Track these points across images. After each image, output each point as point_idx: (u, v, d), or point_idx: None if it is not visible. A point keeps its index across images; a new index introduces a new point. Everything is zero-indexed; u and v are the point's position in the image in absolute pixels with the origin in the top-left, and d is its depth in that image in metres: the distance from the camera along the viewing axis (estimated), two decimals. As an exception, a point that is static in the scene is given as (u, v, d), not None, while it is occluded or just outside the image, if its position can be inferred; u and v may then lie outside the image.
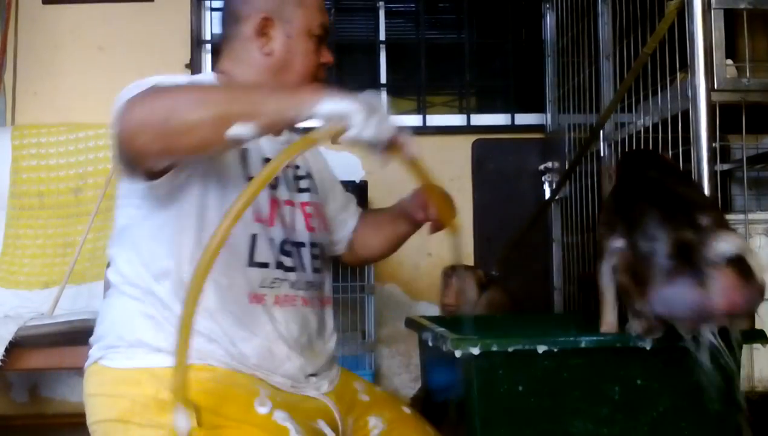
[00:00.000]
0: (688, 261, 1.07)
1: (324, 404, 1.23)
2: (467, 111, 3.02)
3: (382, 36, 3.00)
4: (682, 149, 1.68)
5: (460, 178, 2.90)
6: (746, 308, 1.09)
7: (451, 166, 2.89)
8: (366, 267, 2.56)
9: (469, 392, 1.22)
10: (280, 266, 1.23)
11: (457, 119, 3.05)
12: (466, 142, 2.93)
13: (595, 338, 1.22)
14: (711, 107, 1.60)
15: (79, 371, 1.27)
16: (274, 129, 0.99)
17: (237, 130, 0.91)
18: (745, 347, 1.27)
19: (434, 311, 2.54)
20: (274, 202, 1.25)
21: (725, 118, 1.61)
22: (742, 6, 1.64)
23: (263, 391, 1.14)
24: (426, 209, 1.35)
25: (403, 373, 2.87)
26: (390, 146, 0.95)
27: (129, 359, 1.15)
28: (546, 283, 2.77)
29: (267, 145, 1.26)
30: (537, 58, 2.97)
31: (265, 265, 1.21)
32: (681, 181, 1.29)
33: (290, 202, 1.29)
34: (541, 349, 1.20)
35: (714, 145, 1.59)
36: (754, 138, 1.98)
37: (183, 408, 0.96)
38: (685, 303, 1.08)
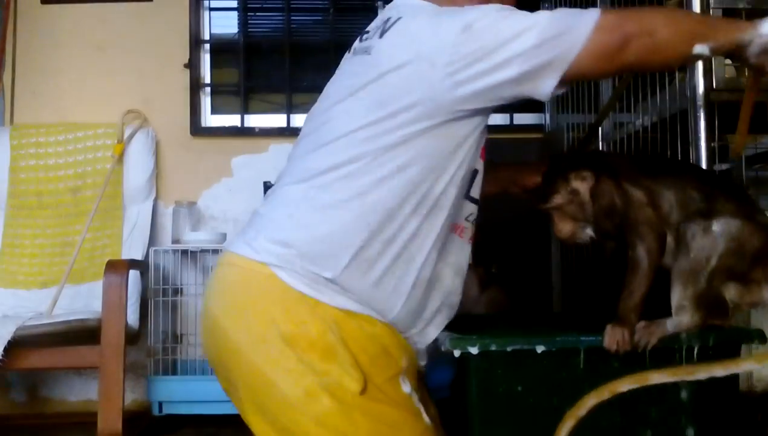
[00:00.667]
0: None
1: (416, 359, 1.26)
2: (466, 111, 3.02)
3: (381, 36, 3.00)
4: (681, 149, 1.68)
5: (459, 178, 2.89)
6: None
7: (450, 165, 2.89)
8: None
9: (468, 392, 1.22)
10: (476, 202, 1.28)
11: (456, 119, 3.04)
12: (466, 141, 2.93)
13: (594, 338, 1.22)
14: (709, 107, 1.60)
15: (77, 370, 1.26)
16: (723, 51, 1.14)
17: (699, 48, 1.10)
18: (744, 347, 1.27)
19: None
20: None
21: (724, 117, 1.60)
22: (741, 6, 1.65)
23: (403, 360, 1.20)
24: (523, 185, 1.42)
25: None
26: None
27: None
28: (545, 282, 2.77)
29: None
30: (536, 57, 2.96)
31: (476, 201, 1.27)
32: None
33: None
34: (539, 349, 1.20)
35: (713, 144, 1.59)
36: (752, 138, 1.98)
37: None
38: None
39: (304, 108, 3.05)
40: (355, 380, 1.11)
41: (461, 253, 1.27)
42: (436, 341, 1.26)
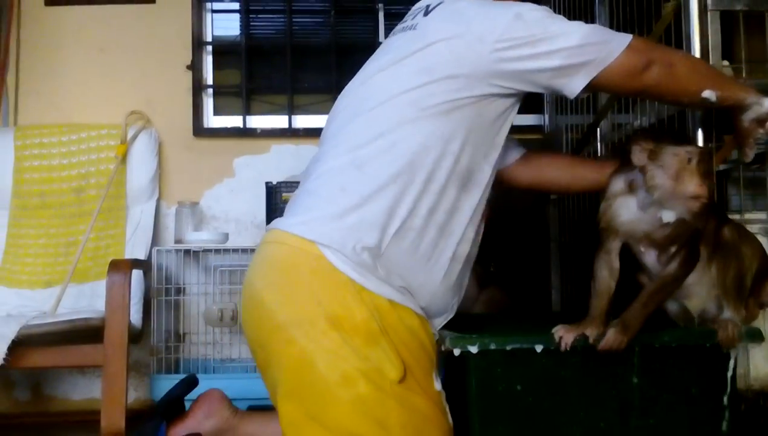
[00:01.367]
0: None
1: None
2: (467, 111, 3.02)
3: (382, 37, 3.02)
4: (679, 150, 1.69)
5: (460, 179, 2.90)
6: None
7: (451, 166, 2.90)
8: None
9: (467, 391, 1.23)
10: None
11: (456, 120, 3.05)
12: (466, 142, 2.94)
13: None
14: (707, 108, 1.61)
15: (80, 369, 1.28)
16: (726, 103, 1.27)
17: (707, 93, 1.25)
18: (741, 346, 1.28)
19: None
20: None
21: (722, 119, 1.61)
22: (739, 7, 1.65)
23: (435, 357, 1.24)
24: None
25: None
26: None
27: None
28: (544, 282, 2.78)
29: None
30: (536, 58, 2.97)
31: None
32: None
33: None
34: (539, 348, 1.21)
35: (710, 145, 1.60)
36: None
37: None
38: None
39: (306, 109, 3.06)
40: (396, 367, 1.14)
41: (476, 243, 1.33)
42: None
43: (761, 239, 1.80)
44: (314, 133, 2.81)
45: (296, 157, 2.88)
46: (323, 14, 3.08)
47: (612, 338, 1.19)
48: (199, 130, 2.91)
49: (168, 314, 2.62)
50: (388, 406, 1.13)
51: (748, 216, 1.76)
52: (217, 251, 2.59)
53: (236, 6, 3.06)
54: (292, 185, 2.71)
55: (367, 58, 1.41)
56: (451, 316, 1.31)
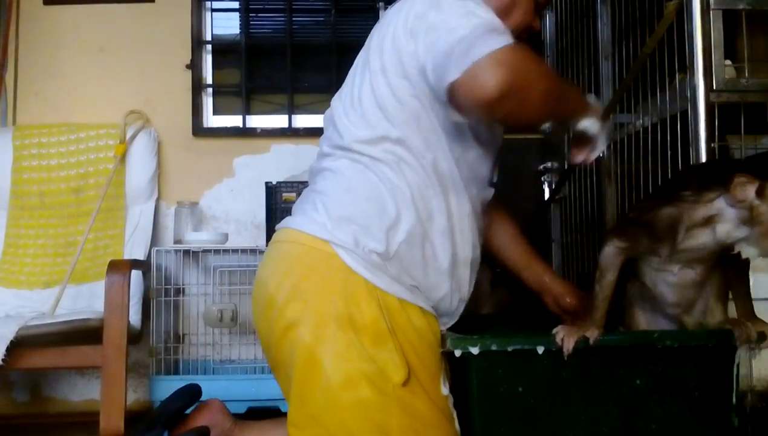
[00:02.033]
0: None
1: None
2: (467, 111, 3.02)
3: (382, 36, 3.01)
4: (681, 150, 1.68)
5: (460, 179, 2.89)
6: None
7: (451, 166, 2.89)
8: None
9: (468, 392, 1.22)
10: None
11: (456, 119, 3.05)
12: (466, 142, 2.93)
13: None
14: (710, 108, 1.60)
15: (79, 370, 1.27)
16: (563, 132, 1.30)
17: (545, 125, 1.26)
18: (743, 347, 1.28)
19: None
20: None
21: (724, 118, 1.61)
22: (741, 6, 1.65)
23: (444, 360, 1.23)
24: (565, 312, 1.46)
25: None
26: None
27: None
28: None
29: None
30: (537, 58, 2.97)
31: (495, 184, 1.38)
32: None
33: None
34: (540, 349, 1.21)
35: (713, 145, 1.59)
36: (752, 138, 1.98)
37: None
38: None
39: (306, 109, 3.05)
40: (400, 369, 1.13)
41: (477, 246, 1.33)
42: None
43: None
44: (314, 132, 2.81)
45: (296, 157, 2.88)
46: (323, 13, 3.08)
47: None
48: (199, 130, 2.90)
49: (167, 315, 2.61)
50: (389, 410, 1.12)
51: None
52: (217, 251, 2.58)
53: (236, 5, 3.05)
54: (292, 185, 2.71)
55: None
56: (451, 323, 1.30)
